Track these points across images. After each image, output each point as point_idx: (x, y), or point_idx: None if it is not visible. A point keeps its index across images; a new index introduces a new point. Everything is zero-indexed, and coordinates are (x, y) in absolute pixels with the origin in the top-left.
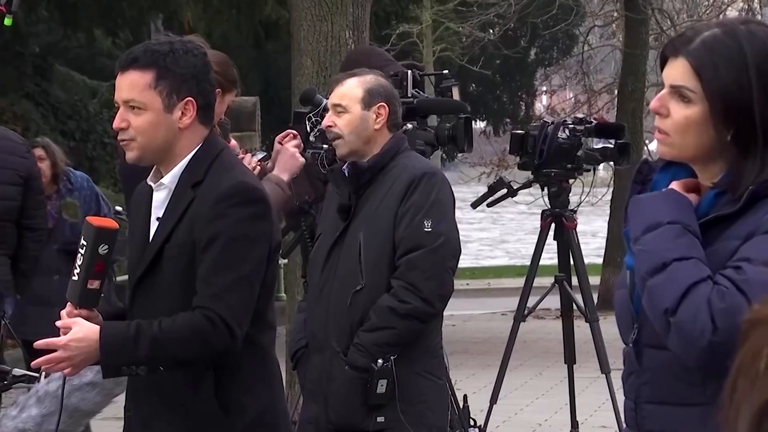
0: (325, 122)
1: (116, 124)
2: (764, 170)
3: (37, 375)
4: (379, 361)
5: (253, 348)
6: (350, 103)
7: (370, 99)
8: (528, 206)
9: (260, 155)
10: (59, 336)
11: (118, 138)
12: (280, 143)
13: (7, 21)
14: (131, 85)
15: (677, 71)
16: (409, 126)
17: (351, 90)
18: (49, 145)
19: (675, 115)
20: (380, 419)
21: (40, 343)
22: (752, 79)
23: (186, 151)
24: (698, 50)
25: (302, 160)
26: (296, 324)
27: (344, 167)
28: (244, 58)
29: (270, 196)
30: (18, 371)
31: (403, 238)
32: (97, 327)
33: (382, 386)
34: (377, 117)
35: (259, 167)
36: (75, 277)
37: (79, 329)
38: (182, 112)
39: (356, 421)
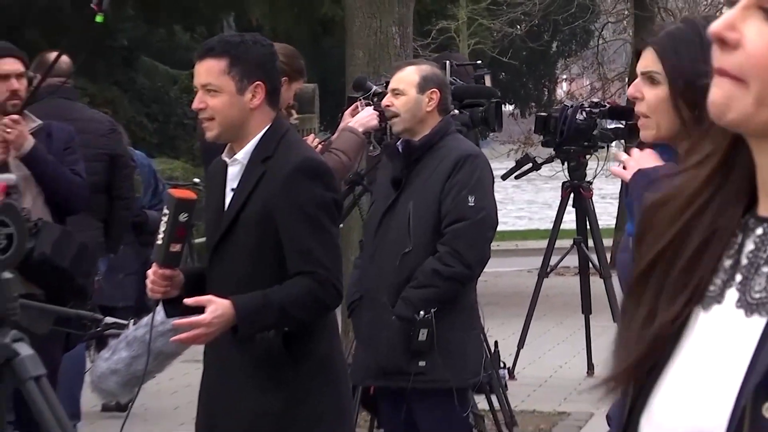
0: (384, 102)
1: (195, 105)
2: None
3: (125, 323)
4: (421, 313)
5: None
6: (407, 87)
7: (424, 84)
8: (550, 178)
9: (324, 136)
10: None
11: (199, 117)
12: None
13: (99, 18)
14: (208, 71)
15: (646, 59)
16: (456, 111)
17: (408, 76)
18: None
19: (647, 96)
20: (421, 363)
21: (185, 321)
22: (708, 60)
23: (256, 129)
24: (662, 39)
25: (376, 122)
26: (352, 279)
27: (398, 143)
28: (304, 52)
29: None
30: (110, 319)
31: (450, 210)
32: (229, 302)
33: (423, 335)
34: (429, 101)
35: (321, 146)
36: (159, 241)
37: (216, 307)
38: (252, 95)
39: (401, 364)
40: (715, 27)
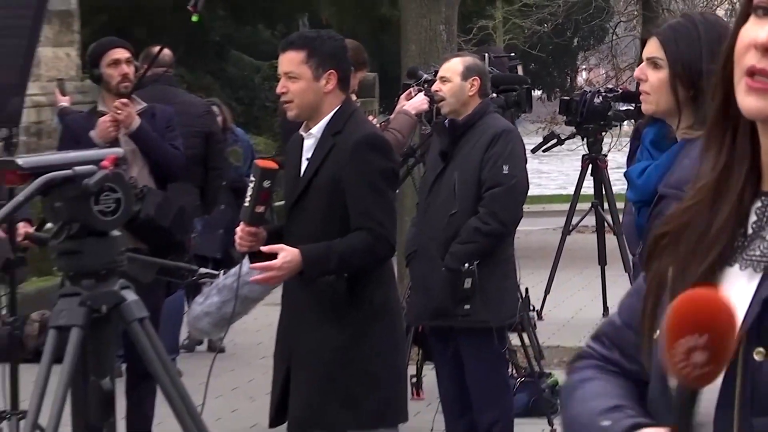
0: (434, 88)
1: (279, 89)
2: None
3: (217, 273)
4: (466, 265)
5: None
6: (452, 75)
7: (467, 73)
8: (572, 152)
9: (383, 118)
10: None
11: (281, 100)
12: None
13: (195, 18)
14: (290, 61)
15: (650, 47)
16: (494, 95)
17: (454, 66)
18: (221, 106)
19: (650, 78)
20: (466, 307)
21: (260, 265)
22: (702, 49)
23: (329, 109)
24: (664, 30)
25: (427, 106)
26: (408, 236)
27: (445, 122)
28: (366, 46)
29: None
30: (203, 270)
31: (488, 177)
32: (298, 251)
33: (467, 283)
34: (471, 87)
35: (380, 125)
36: (246, 204)
37: (286, 254)
38: (326, 81)
39: (449, 308)
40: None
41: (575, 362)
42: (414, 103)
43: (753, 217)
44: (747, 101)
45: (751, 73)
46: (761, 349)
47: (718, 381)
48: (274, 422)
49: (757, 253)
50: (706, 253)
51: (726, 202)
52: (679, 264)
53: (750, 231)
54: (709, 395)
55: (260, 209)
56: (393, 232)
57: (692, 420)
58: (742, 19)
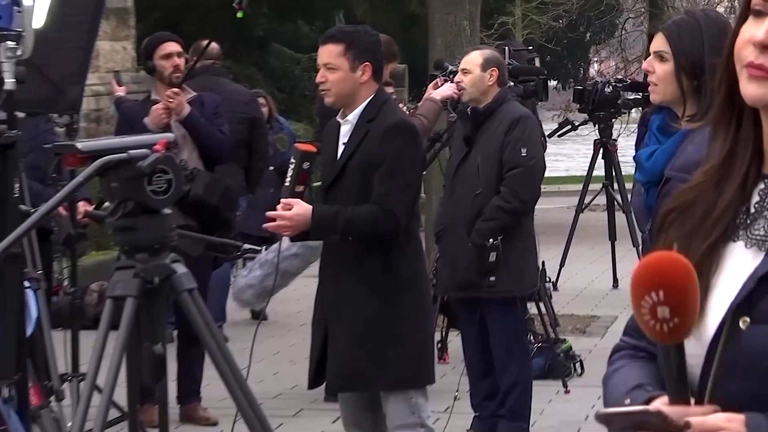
0: (456, 79)
1: (318, 79)
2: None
3: (259, 249)
4: (490, 240)
5: (406, 229)
6: (473, 67)
7: (486, 64)
8: (584, 136)
9: (412, 106)
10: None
11: (320, 89)
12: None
13: (240, 14)
14: (329, 53)
15: (657, 41)
16: (511, 83)
17: (474, 58)
18: (267, 97)
19: (657, 70)
20: (491, 278)
21: (272, 214)
22: (705, 43)
23: (364, 98)
24: (670, 26)
25: (451, 93)
26: (437, 213)
27: (468, 109)
28: (396, 40)
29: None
30: (247, 246)
31: (508, 160)
32: (310, 208)
33: (492, 257)
34: (490, 77)
35: (410, 112)
36: (287, 184)
37: (299, 207)
38: (362, 72)
39: (475, 279)
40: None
41: (611, 356)
42: (440, 90)
43: (756, 198)
44: (748, 89)
45: (750, 66)
46: (747, 319)
47: (705, 346)
48: (312, 383)
49: (761, 232)
50: (711, 229)
51: (730, 183)
52: (684, 238)
53: (753, 210)
54: (697, 360)
55: (299, 188)
56: (404, 211)
57: (680, 375)
58: (742, 20)
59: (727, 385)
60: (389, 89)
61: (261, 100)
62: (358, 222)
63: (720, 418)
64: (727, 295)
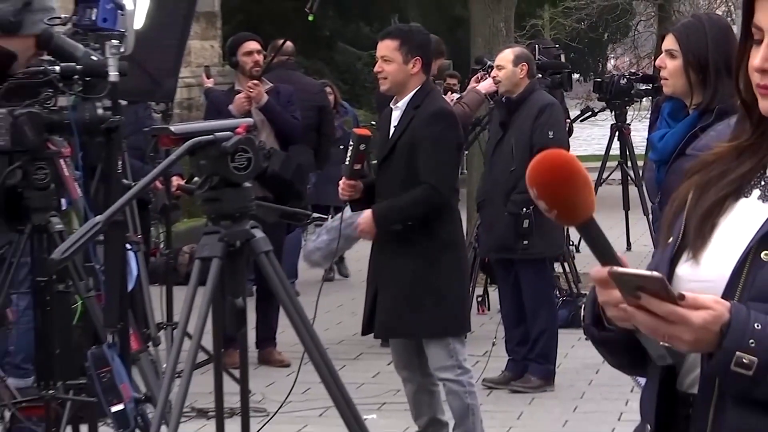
0: (492, 74)
1: (376, 69)
2: (715, 97)
3: (326, 217)
4: (524, 209)
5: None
6: (506, 63)
7: (517, 60)
8: (602, 121)
9: (456, 96)
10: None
11: (378, 77)
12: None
13: (311, 17)
14: (386, 47)
15: (668, 41)
16: (540, 76)
17: (506, 55)
18: (332, 86)
19: (668, 66)
20: (525, 242)
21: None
22: (708, 42)
23: (412, 88)
24: (679, 28)
25: (495, 88)
26: (478, 187)
27: (503, 99)
28: (443, 39)
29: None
30: (315, 214)
31: (537, 141)
32: (370, 211)
33: (525, 224)
34: (521, 71)
35: (454, 102)
36: (346, 163)
37: (365, 217)
38: (413, 65)
39: (510, 243)
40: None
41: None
42: (485, 84)
43: None
44: (764, 105)
45: (758, 87)
46: (767, 252)
47: (727, 272)
48: (365, 331)
49: None
50: (725, 185)
51: (752, 157)
52: (698, 188)
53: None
54: (720, 283)
55: (357, 167)
56: (448, 186)
57: (597, 245)
58: (743, 40)
59: (752, 306)
60: (453, 81)
61: (328, 89)
62: (411, 208)
63: (709, 298)
64: (734, 235)
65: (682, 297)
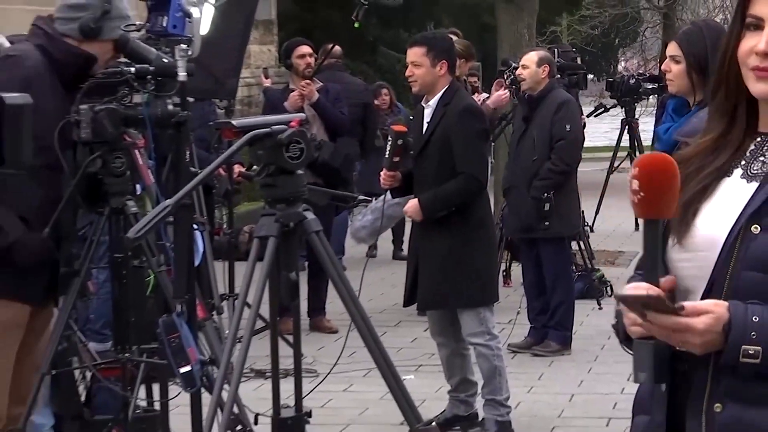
0: (518, 73)
1: (407, 73)
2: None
3: (369, 199)
4: (545, 194)
5: None
6: (530, 64)
7: (539, 62)
8: (614, 116)
9: (485, 95)
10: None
11: (409, 80)
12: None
13: (357, 25)
14: (414, 53)
15: (671, 48)
16: (559, 76)
17: (530, 57)
18: (389, 87)
19: (673, 69)
20: (546, 223)
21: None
22: (707, 47)
23: (441, 87)
24: (681, 36)
25: (506, 102)
26: (504, 174)
27: (525, 96)
28: (473, 43)
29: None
30: (360, 197)
31: (556, 134)
32: (417, 200)
33: (546, 207)
34: (543, 71)
35: (481, 101)
36: (386, 156)
37: (413, 203)
38: (440, 68)
39: (533, 224)
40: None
41: (627, 283)
42: (496, 99)
43: (751, 147)
44: (758, 87)
45: (756, 70)
46: (757, 226)
47: (718, 246)
48: (407, 302)
49: (757, 168)
50: (703, 178)
51: (726, 151)
52: (683, 176)
53: (748, 155)
54: (713, 254)
55: (396, 159)
56: (482, 173)
57: (652, 249)
58: (735, 32)
59: (743, 275)
60: (473, 79)
61: (384, 91)
62: (453, 196)
63: (709, 302)
64: (721, 213)
65: (682, 308)
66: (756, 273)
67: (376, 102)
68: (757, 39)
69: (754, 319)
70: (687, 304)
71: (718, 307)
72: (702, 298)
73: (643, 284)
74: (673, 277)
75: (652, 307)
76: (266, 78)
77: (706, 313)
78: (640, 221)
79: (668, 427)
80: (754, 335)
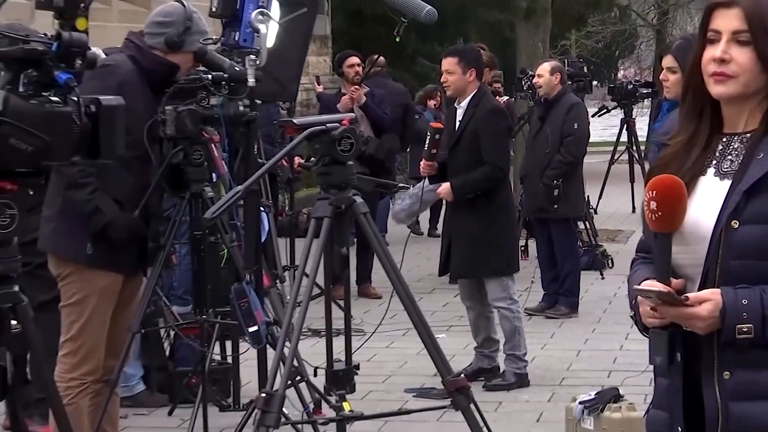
0: (534, 80)
1: (442, 80)
2: None
3: (408, 186)
4: (555, 182)
5: None
6: (544, 73)
7: (552, 71)
8: (614, 116)
9: (506, 98)
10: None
11: (444, 86)
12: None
13: (398, 40)
14: (448, 63)
15: (668, 60)
16: (569, 82)
17: (545, 67)
18: (439, 91)
19: (671, 79)
20: (555, 206)
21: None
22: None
23: (471, 91)
24: (675, 49)
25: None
26: (522, 165)
27: (541, 99)
28: (496, 55)
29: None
30: (401, 184)
31: (566, 131)
32: (449, 183)
33: (556, 193)
34: (556, 78)
35: (504, 103)
36: (426, 148)
37: (446, 185)
38: (470, 75)
39: (545, 207)
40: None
41: (631, 264)
42: None
43: (719, 147)
44: (716, 89)
45: (714, 74)
46: (736, 221)
47: (705, 241)
48: (441, 273)
49: (726, 166)
50: (683, 170)
51: (696, 148)
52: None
53: (717, 155)
54: (702, 247)
55: (434, 151)
56: (505, 163)
57: (663, 259)
58: (700, 47)
59: (730, 264)
60: (497, 85)
61: (437, 93)
62: (480, 182)
63: (706, 292)
64: (704, 210)
65: (686, 299)
66: (741, 261)
67: (431, 101)
68: (716, 49)
69: (743, 301)
70: (690, 295)
71: (715, 295)
72: (700, 286)
73: (657, 283)
74: (683, 280)
75: (663, 299)
76: (318, 84)
77: (706, 302)
78: (650, 230)
79: (684, 393)
80: (745, 315)
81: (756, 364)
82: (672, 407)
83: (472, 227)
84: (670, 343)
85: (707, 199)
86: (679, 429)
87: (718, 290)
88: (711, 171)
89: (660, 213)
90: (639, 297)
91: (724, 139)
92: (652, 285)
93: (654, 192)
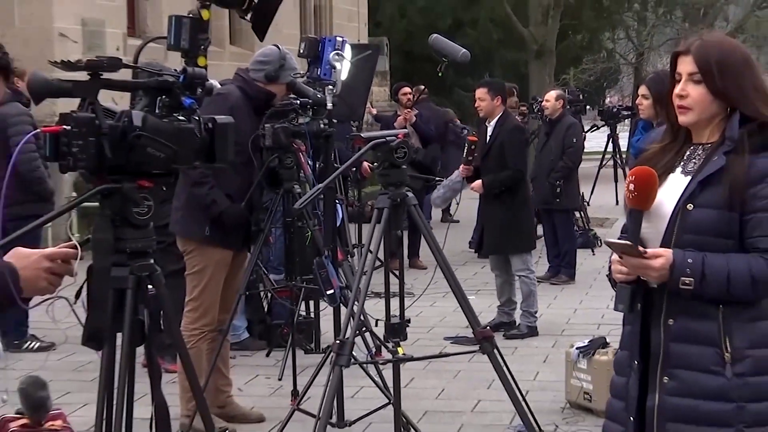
0: (542, 105)
1: (476, 105)
2: None
3: (440, 179)
4: (557, 182)
5: None
6: (551, 99)
7: (557, 98)
8: (602, 132)
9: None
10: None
11: (477, 108)
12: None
13: (440, 74)
14: (480, 92)
15: (642, 89)
16: (568, 107)
17: (551, 95)
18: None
19: (644, 103)
20: (557, 200)
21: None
22: (666, 88)
23: (497, 114)
24: (648, 81)
25: None
26: (531, 169)
27: (548, 119)
28: (516, 83)
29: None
30: (438, 178)
31: (566, 144)
32: (482, 180)
33: (557, 190)
34: (559, 104)
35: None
36: (464, 156)
37: (477, 182)
38: (497, 101)
39: (549, 200)
40: (678, 90)
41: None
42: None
43: (687, 152)
44: (681, 119)
45: (678, 107)
46: (691, 204)
47: (665, 221)
48: (477, 249)
49: (690, 166)
50: (659, 167)
51: (670, 153)
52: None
53: (685, 158)
54: (663, 224)
55: (470, 158)
56: (524, 167)
57: (634, 231)
58: (670, 83)
59: (683, 237)
60: (523, 108)
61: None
62: (504, 180)
63: (661, 249)
64: (668, 197)
65: (645, 252)
66: (691, 236)
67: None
68: (677, 87)
69: (689, 260)
70: (648, 250)
71: (667, 252)
72: None
73: (625, 240)
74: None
75: (628, 251)
76: (372, 108)
77: (660, 257)
78: (627, 209)
79: (642, 336)
80: (688, 270)
81: (696, 315)
82: (632, 347)
83: (500, 215)
84: (632, 294)
85: (672, 190)
86: (635, 362)
87: (670, 250)
88: (679, 170)
89: (636, 193)
90: (612, 257)
91: (692, 148)
92: (620, 239)
93: (633, 176)
